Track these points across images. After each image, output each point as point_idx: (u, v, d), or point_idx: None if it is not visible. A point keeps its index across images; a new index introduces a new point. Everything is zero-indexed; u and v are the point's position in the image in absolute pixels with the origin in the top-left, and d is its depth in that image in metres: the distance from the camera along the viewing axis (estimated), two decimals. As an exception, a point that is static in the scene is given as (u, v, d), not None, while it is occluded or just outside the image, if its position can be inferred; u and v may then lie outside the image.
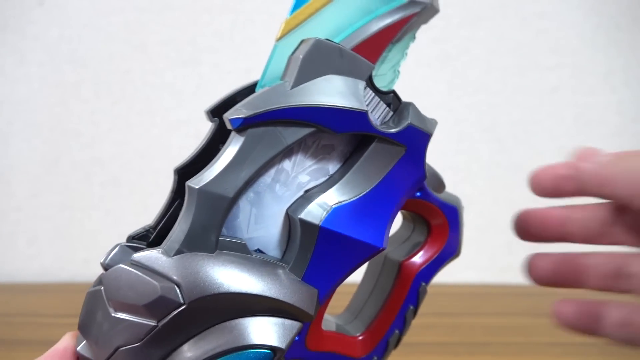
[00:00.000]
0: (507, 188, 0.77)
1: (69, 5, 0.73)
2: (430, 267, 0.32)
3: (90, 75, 0.74)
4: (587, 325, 0.30)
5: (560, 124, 0.76)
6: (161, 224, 0.29)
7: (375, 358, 0.32)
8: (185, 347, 0.25)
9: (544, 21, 0.73)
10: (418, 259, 0.32)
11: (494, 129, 0.75)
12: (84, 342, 0.25)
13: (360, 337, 0.32)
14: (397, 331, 0.32)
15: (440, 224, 0.32)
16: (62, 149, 0.75)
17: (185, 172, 0.29)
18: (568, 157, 0.31)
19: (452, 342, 0.57)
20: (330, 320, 0.32)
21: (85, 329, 0.25)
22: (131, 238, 0.29)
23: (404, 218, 0.34)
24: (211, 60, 0.74)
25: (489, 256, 0.76)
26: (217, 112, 0.30)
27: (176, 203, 0.29)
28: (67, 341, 0.26)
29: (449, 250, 0.32)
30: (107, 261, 0.26)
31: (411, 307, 0.32)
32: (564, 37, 0.74)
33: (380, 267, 0.33)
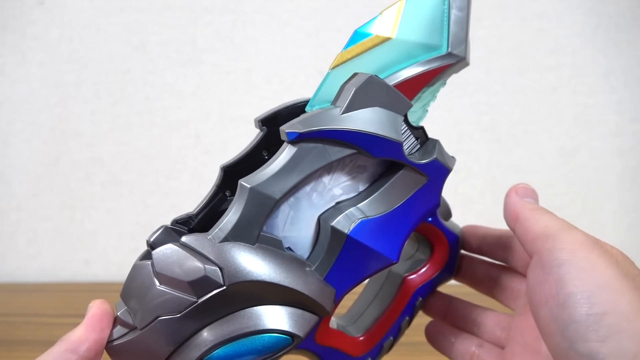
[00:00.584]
0: (507, 188, 0.77)
1: (69, 5, 0.73)
2: (428, 284, 0.36)
3: (90, 75, 0.74)
4: None
5: (560, 124, 0.76)
6: (203, 213, 0.32)
7: (370, 359, 0.35)
8: (217, 324, 0.28)
9: (544, 21, 0.73)
10: (419, 276, 0.36)
11: (494, 129, 0.75)
12: (125, 308, 0.28)
13: (360, 339, 0.34)
14: (391, 337, 0.35)
15: (442, 248, 0.35)
16: (62, 149, 0.76)
17: (230, 170, 0.32)
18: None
19: (452, 342, 0.57)
20: (332, 320, 0.35)
21: (127, 296, 0.28)
22: (175, 222, 0.31)
23: (410, 238, 0.37)
24: (211, 60, 0.74)
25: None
26: (265, 122, 0.33)
27: (219, 196, 0.32)
28: (99, 308, 0.28)
29: (447, 272, 0.36)
30: (152, 240, 0.28)
31: (407, 318, 0.36)
32: (564, 37, 0.74)
33: (384, 278, 0.36)
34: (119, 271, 0.79)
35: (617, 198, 0.77)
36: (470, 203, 0.75)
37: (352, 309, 0.37)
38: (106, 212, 0.77)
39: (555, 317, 0.25)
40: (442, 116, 0.73)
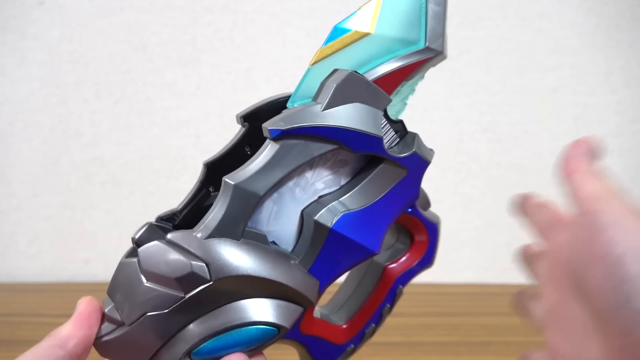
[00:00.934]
0: (507, 188, 0.77)
1: (69, 5, 0.73)
2: (408, 273, 0.36)
3: (90, 75, 0.74)
4: None
5: (560, 124, 0.76)
6: (187, 210, 0.32)
7: (352, 346, 0.36)
8: (204, 318, 0.28)
9: (544, 21, 0.73)
10: (399, 265, 0.36)
11: (494, 129, 0.75)
12: (112, 305, 0.28)
13: (343, 327, 0.35)
14: (373, 325, 0.36)
15: (422, 237, 0.36)
16: (63, 149, 0.76)
17: (213, 166, 0.33)
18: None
19: (452, 342, 0.57)
20: (316, 309, 0.35)
21: (114, 293, 0.28)
22: (160, 219, 0.32)
23: (390, 228, 0.38)
24: (211, 60, 0.74)
25: (489, 256, 0.76)
26: (246, 118, 0.33)
27: (202, 192, 0.33)
28: (88, 305, 0.28)
29: (426, 261, 0.37)
30: (137, 237, 0.28)
31: (388, 306, 0.36)
32: (564, 37, 0.74)
33: (365, 268, 0.37)
34: (119, 271, 0.79)
35: (617, 198, 0.77)
36: (470, 203, 0.75)
37: (334, 298, 0.38)
38: (106, 212, 0.77)
39: (608, 276, 0.25)
40: (442, 116, 0.73)
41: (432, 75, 0.87)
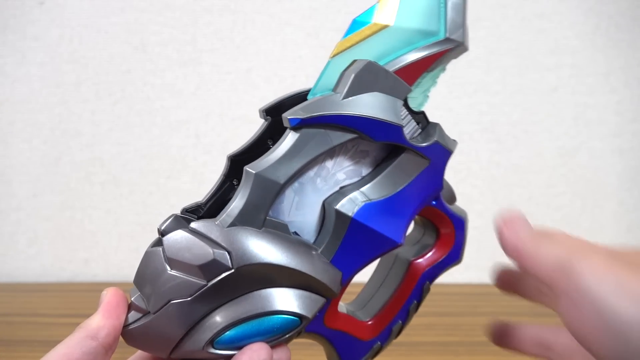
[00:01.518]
0: (507, 188, 0.77)
1: (69, 5, 0.73)
2: (435, 268, 0.36)
3: (90, 75, 0.74)
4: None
5: (560, 124, 0.76)
6: (211, 202, 0.33)
7: (379, 343, 0.35)
8: (226, 306, 0.28)
9: (544, 21, 0.73)
10: (425, 260, 0.36)
11: (493, 129, 0.75)
12: (138, 294, 0.29)
13: (369, 323, 0.35)
14: (400, 321, 0.35)
15: (448, 232, 0.36)
16: (63, 149, 0.76)
17: (236, 160, 0.33)
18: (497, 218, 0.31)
19: (452, 341, 0.57)
20: (342, 305, 0.35)
21: (141, 282, 0.29)
22: (185, 210, 0.32)
23: (416, 223, 0.38)
24: (211, 60, 0.74)
25: (489, 256, 0.76)
26: (269, 112, 0.33)
27: (226, 185, 0.33)
28: (115, 296, 0.29)
29: (453, 256, 0.36)
30: (163, 228, 0.29)
31: (415, 302, 0.36)
32: (563, 37, 0.74)
33: (391, 264, 0.37)
34: (119, 271, 0.79)
35: (617, 198, 0.77)
36: (470, 203, 0.75)
37: (360, 295, 0.37)
38: (106, 212, 0.77)
39: (610, 349, 0.24)
40: (442, 116, 0.72)
41: (432, 75, 0.85)
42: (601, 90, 0.75)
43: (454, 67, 0.86)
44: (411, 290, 0.36)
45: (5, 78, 0.74)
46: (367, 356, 0.35)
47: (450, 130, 0.81)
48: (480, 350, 0.57)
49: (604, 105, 0.75)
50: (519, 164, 0.77)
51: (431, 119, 0.33)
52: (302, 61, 0.73)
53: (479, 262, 0.77)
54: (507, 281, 0.36)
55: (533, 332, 0.35)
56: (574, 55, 0.74)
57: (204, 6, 0.73)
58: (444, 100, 0.73)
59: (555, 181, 0.77)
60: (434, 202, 0.34)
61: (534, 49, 0.74)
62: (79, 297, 0.68)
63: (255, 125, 0.34)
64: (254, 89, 0.74)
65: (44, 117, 0.75)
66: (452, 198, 0.36)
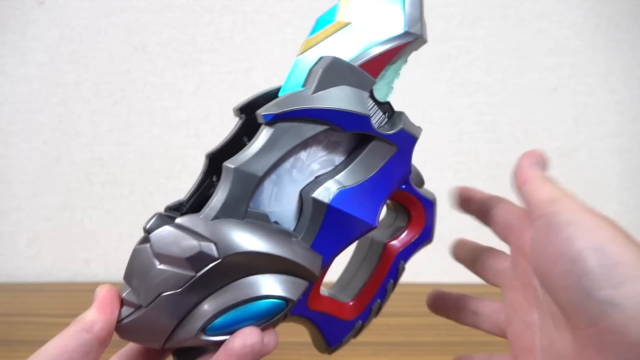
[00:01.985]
0: (507, 188, 0.77)
1: (69, 5, 0.73)
2: (408, 248, 0.38)
3: (90, 75, 0.74)
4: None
5: (560, 124, 0.76)
6: (193, 199, 0.34)
7: (360, 322, 0.37)
8: (215, 295, 0.30)
9: (544, 21, 0.73)
10: (399, 241, 0.38)
11: (494, 129, 0.75)
12: (129, 289, 0.30)
13: (350, 303, 0.37)
14: (379, 300, 0.38)
15: (419, 213, 0.38)
16: (63, 149, 0.76)
17: (214, 157, 0.34)
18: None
19: (452, 342, 0.58)
20: (323, 290, 0.37)
21: (130, 278, 0.30)
22: (168, 208, 0.34)
23: (389, 208, 0.40)
24: (211, 60, 0.74)
25: (489, 256, 0.76)
26: (243, 110, 0.35)
27: (206, 182, 0.34)
28: (109, 292, 0.30)
29: (425, 236, 0.39)
30: (148, 226, 0.30)
31: (391, 281, 0.38)
32: (563, 37, 0.74)
33: (367, 247, 0.39)
34: (119, 271, 0.78)
35: (617, 198, 0.77)
36: (470, 203, 0.75)
37: (340, 279, 0.39)
38: (106, 212, 0.77)
39: (569, 272, 0.27)
40: (442, 116, 0.73)
41: (432, 75, 0.87)
42: (601, 90, 0.75)
43: (454, 67, 0.87)
44: (387, 270, 0.38)
45: (5, 78, 0.74)
46: (350, 335, 0.37)
47: (450, 130, 0.81)
48: (480, 350, 0.57)
49: (604, 105, 0.75)
50: (519, 164, 0.77)
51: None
52: (302, 61, 0.73)
53: (479, 262, 0.77)
54: (440, 305, 0.39)
55: (462, 300, 0.39)
56: (574, 55, 0.74)
57: (204, 6, 0.73)
58: (444, 100, 0.73)
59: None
60: (403, 186, 0.36)
61: (534, 49, 0.74)
62: (79, 297, 0.68)
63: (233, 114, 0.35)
64: (254, 89, 0.73)
65: (44, 117, 0.75)
66: (421, 182, 0.38)
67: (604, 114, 0.75)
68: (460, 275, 0.74)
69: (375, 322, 0.39)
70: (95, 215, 0.77)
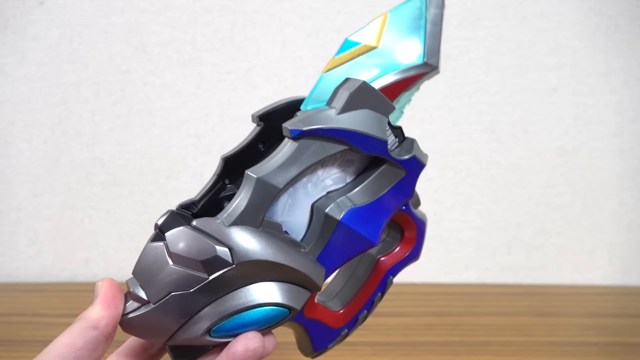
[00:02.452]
0: (507, 188, 0.77)
1: (69, 5, 0.73)
2: (398, 265, 0.40)
3: (90, 75, 0.74)
4: None
5: (560, 124, 0.76)
6: (205, 199, 0.35)
7: (346, 330, 0.39)
8: (224, 298, 0.31)
9: (544, 21, 0.73)
10: (390, 257, 0.40)
11: (494, 129, 0.75)
12: (137, 285, 0.30)
13: (340, 312, 0.38)
14: (365, 311, 0.39)
15: (411, 233, 0.40)
16: (62, 149, 0.76)
17: (230, 161, 0.35)
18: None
19: (452, 341, 0.58)
20: None
21: (140, 275, 0.30)
22: (180, 207, 0.34)
23: None
24: (211, 60, 0.74)
25: (489, 256, 0.76)
26: (262, 118, 0.36)
27: (219, 184, 0.35)
28: (111, 287, 0.30)
29: (414, 254, 0.40)
30: (160, 223, 0.31)
31: (379, 294, 0.40)
32: (563, 37, 0.74)
33: (358, 260, 0.40)
34: (119, 271, 0.79)
35: (617, 198, 0.77)
36: (470, 203, 0.75)
37: (330, 287, 0.41)
38: (106, 212, 0.77)
39: None
40: (442, 116, 0.73)
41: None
42: (601, 90, 0.75)
43: (454, 67, 0.87)
44: (377, 284, 0.39)
45: (5, 78, 0.74)
46: (336, 342, 0.38)
47: (450, 130, 0.81)
48: (480, 350, 0.57)
49: (604, 105, 0.75)
50: (519, 163, 0.77)
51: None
52: (302, 61, 0.73)
53: (478, 262, 0.77)
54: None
55: None
56: (574, 55, 0.74)
57: (204, 6, 0.73)
58: (444, 101, 0.73)
59: (555, 181, 0.77)
60: (403, 207, 0.38)
61: (534, 49, 0.74)
62: (79, 297, 0.68)
63: (251, 120, 0.36)
64: (254, 89, 0.74)
65: (44, 117, 0.75)
66: (417, 203, 0.40)
67: (604, 114, 0.75)
68: (459, 275, 0.74)
69: (375, 322, 0.39)
70: (95, 215, 0.77)
